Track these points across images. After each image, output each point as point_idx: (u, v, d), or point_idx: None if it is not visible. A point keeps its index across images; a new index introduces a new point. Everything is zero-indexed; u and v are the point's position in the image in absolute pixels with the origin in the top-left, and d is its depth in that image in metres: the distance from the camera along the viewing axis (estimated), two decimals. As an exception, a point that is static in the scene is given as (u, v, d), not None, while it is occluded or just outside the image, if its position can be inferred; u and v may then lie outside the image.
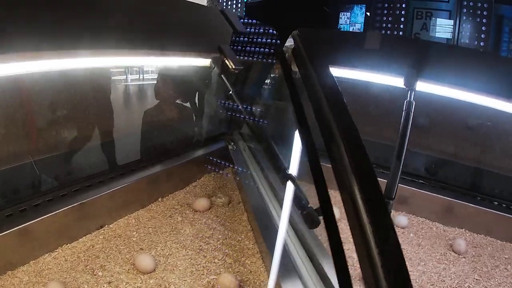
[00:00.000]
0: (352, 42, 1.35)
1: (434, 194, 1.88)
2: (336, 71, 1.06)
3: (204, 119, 2.49)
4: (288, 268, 1.17)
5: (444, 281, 1.38)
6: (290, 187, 1.16)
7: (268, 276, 1.28)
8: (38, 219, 1.39)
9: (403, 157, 1.05)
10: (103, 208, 1.59)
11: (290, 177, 1.09)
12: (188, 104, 2.39)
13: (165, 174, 1.87)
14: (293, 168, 1.09)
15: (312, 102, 0.88)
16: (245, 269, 1.33)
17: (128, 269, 1.32)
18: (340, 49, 1.21)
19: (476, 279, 1.41)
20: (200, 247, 1.44)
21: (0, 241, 1.29)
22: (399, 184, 1.91)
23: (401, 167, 1.04)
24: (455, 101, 1.18)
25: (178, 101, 2.28)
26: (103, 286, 1.24)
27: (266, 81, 2.38)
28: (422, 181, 1.97)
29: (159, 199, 1.80)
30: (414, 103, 1.04)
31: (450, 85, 1.09)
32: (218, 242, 1.47)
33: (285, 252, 1.22)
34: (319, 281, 1.10)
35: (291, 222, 1.37)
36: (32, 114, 1.70)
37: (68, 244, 1.45)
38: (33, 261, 1.36)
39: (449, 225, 1.80)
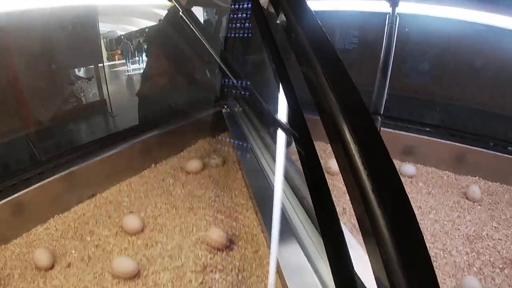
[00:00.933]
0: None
1: (443, 141, 1.75)
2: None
3: (197, 84, 2.40)
4: (283, 223, 1.08)
5: (459, 229, 1.29)
6: (281, 135, 1.09)
7: (262, 230, 1.21)
8: (29, 190, 1.35)
9: (389, 72, 0.95)
10: (95, 177, 1.54)
11: (279, 124, 1.01)
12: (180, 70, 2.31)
13: (158, 140, 1.80)
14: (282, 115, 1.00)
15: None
16: (237, 224, 1.26)
17: (116, 232, 1.28)
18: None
19: (495, 227, 1.31)
20: (191, 206, 1.38)
21: None
22: (403, 133, 1.83)
23: (387, 82, 0.94)
24: (461, 37, 1.07)
25: (169, 66, 2.20)
26: (91, 250, 1.20)
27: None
28: (428, 129, 1.85)
29: (152, 166, 1.75)
30: (398, 17, 0.93)
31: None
32: (210, 200, 1.41)
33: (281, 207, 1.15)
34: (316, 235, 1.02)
35: (286, 177, 1.29)
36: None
37: (60, 215, 1.42)
38: (26, 233, 1.33)
39: (461, 174, 1.68)
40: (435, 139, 1.76)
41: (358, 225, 0.52)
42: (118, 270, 1.06)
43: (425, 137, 1.78)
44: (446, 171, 1.72)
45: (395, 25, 0.93)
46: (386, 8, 1.01)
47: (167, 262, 1.11)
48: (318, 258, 0.96)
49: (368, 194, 0.48)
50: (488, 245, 1.21)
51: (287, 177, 1.29)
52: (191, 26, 1.59)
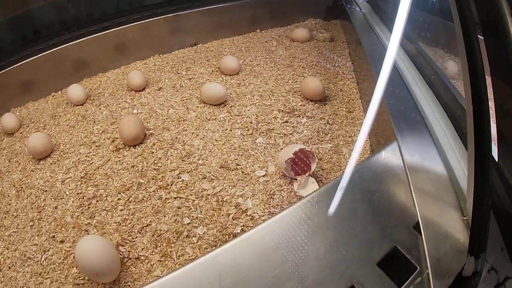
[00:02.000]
0: None
1: None
2: None
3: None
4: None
5: None
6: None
7: (360, 97, 1.11)
8: (134, 27, 1.40)
9: None
10: (199, 27, 1.53)
11: None
12: None
13: (267, 7, 1.71)
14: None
15: None
16: (335, 87, 1.17)
17: (212, 71, 1.27)
18: None
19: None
20: (291, 64, 1.31)
21: (95, 49, 1.36)
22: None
23: None
24: None
25: None
26: (183, 81, 1.22)
27: None
28: None
29: (258, 30, 1.68)
30: None
31: None
32: (312, 63, 1.33)
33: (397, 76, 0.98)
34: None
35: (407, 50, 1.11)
36: None
37: (160, 55, 1.46)
38: (124, 66, 1.41)
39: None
40: None
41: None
42: (206, 94, 1.05)
43: None
44: None
45: None
46: None
47: (257, 100, 1.08)
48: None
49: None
50: None
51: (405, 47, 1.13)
52: None
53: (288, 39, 1.57)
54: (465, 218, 0.55)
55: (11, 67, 1.25)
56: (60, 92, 1.33)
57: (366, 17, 1.56)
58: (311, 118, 1.00)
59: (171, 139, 0.94)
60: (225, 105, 1.06)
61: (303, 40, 1.53)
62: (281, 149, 0.88)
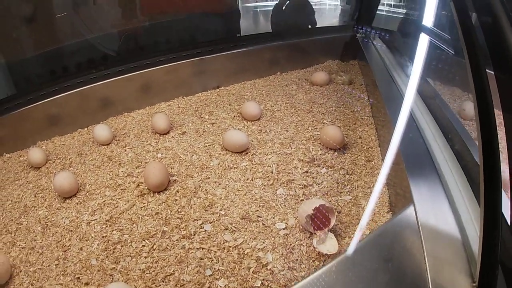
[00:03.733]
0: None
1: None
2: None
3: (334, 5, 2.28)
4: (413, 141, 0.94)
5: None
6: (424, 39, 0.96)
7: (379, 145, 1.13)
8: (160, 70, 1.47)
9: None
10: (222, 71, 1.59)
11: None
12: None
13: (286, 52, 1.77)
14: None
15: None
16: (354, 134, 1.20)
17: (234, 116, 1.32)
18: None
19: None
20: (310, 109, 1.35)
21: (122, 89, 1.42)
22: None
23: None
24: None
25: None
26: (206, 126, 1.27)
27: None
28: None
29: (278, 73, 1.74)
30: None
31: None
32: (331, 109, 1.36)
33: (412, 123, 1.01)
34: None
35: (422, 93, 1.15)
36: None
37: (184, 97, 1.52)
38: (149, 106, 1.47)
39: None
40: None
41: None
42: (228, 142, 1.09)
43: None
44: None
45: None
46: None
47: (277, 148, 1.11)
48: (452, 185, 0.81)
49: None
50: None
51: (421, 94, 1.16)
52: None
53: (307, 82, 1.61)
54: (474, 284, 0.55)
55: (40, 102, 1.33)
56: (86, 129, 1.39)
57: (382, 58, 1.60)
58: (330, 168, 1.02)
59: (194, 187, 0.97)
60: (247, 153, 1.09)
61: (322, 84, 1.57)
62: (301, 200, 0.90)
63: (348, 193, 0.95)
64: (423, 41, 1.16)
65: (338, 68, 1.84)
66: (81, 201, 1.00)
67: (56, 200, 1.02)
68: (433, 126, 1.00)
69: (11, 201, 1.04)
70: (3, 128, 1.27)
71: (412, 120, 1.00)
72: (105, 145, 1.25)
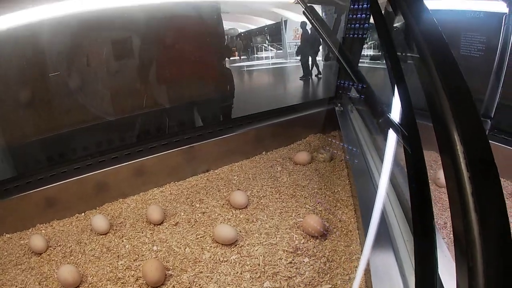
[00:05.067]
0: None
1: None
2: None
3: (312, 81, 2.47)
4: (382, 225, 1.08)
5: None
6: (391, 136, 1.09)
7: (357, 228, 1.23)
8: (153, 157, 1.58)
9: (502, 76, 0.89)
10: (210, 155, 1.71)
11: (389, 121, 1.02)
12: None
13: (270, 131, 1.92)
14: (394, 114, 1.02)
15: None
16: (335, 218, 1.30)
17: (223, 204, 1.41)
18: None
19: None
20: (294, 193, 1.46)
21: (116, 175, 1.52)
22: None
23: (500, 86, 0.88)
24: None
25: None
26: (197, 215, 1.36)
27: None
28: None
29: (263, 153, 1.87)
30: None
31: None
32: (313, 191, 1.47)
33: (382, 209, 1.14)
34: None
35: (392, 180, 1.27)
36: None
37: (176, 182, 1.63)
38: (143, 192, 1.57)
39: None
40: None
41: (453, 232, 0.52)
42: (218, 236, 1.19)
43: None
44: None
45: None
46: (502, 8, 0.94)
47: (263, 238, 1.20)
48: (409, 265, 0.94)
49: (468, 201, 0.49)
50: None
51: (392, 181, 1.28)
52: (313, 22, 1.65)
53: (291, 162, 1.74)
54: None
55: (39, 188, 1.43)
56: (83, 214, 1.49)
57: (355, 129, 1.75)
58: (313, 256, 1.11)
59: (189, 282, 1.06)
60: (236, 245, 1.18)
61: (305, 163, 1.70)
62: (286, 293, 0.99)
63: (328, 281, 1.03)
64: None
65: (320, 143, 1.98)
66: (84, 293, 1.08)
67: (61, 291, 1.09)
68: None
69: (16, 286, 1.11)
70: (3, 210, 1.38)
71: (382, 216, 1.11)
72: (103, 234, 1.34)
